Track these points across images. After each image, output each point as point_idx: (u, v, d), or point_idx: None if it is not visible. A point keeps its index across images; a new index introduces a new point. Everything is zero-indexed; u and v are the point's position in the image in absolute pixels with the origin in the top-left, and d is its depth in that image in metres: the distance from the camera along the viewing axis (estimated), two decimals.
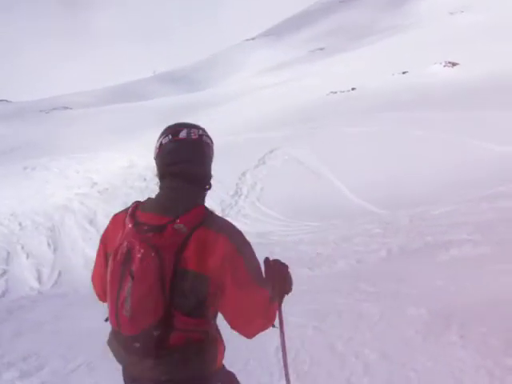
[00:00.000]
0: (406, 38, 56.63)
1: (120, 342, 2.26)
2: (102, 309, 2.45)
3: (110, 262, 2.22)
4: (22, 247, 13.71)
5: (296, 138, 18.96)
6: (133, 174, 18.70)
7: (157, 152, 2.42)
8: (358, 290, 6.35)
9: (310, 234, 11.20)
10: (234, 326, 2.31)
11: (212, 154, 2.48)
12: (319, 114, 22.65)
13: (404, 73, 31.41)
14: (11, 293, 11.01)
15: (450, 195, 11.58)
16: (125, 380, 2.37)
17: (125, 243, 2.18)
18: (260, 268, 2.32)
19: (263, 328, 2.35)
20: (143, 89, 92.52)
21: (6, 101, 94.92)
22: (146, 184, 17.31)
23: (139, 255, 2.10)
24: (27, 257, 13.01)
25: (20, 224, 15.68)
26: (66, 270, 13.05)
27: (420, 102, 21.60)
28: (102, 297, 2.48)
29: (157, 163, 2.43)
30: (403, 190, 12.85)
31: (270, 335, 2.77)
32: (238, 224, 10.46)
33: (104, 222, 14.37)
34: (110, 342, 2.37)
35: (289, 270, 2.65)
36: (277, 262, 2.64)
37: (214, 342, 2.30)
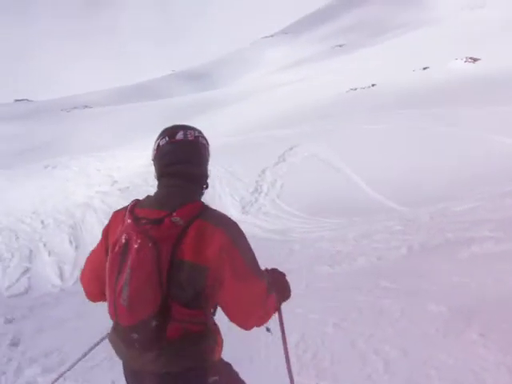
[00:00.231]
0: (427, 34, 56.27)
1: (119, 335, 2.32)
2: None
3: (109, 254, 2.28)
4: (45, 245, 13.84)
5: (316, 135, 18.92)
6: (153, 172, 18.69)
7: (154, 154, 2.49)
8: (379, 287, 6.32)
9: (330, 231, 11.17)
10: (233, 319, 2.34)
11: (208, 154, 2.56)
12: (339, 110, 22.58)
13: (425, 69, 31.22)
14: (34, 290, 11.13)
15: (471, 191, 11.50)
16: (125, 374, 2.42)
17: (123, 235, 2.23)
18: (256, 259, 2.36)
19: (262, 320, 2.41)
20: (162, 87, 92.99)
21: (27, 100, 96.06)
22: None
23: (136, 246, 2.16)
24: (49, 254, 13.13)
25: (42, 222, 15.84)
26: None
27: (441, 97, 21.47)
28: (92, 294, 2.60)
29: (155, 164, 2.51)
30: (424, 187, 12.78)
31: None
32: (259, 221, 10.59)
33: None
34: (110, 338, 2.43)
35: (286, 277, 2.73)
36: (275, 270, 2.72)
37: (211, 334, 2.34)
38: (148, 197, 2.46)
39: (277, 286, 2.57)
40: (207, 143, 2.56)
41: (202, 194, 2.53)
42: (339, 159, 16.06)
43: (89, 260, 2.60)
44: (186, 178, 2.43)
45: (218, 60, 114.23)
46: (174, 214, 2.23)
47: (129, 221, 2.29)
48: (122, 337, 2.30)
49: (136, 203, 2.43)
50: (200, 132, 2.52)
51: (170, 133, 2.46)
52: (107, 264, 2.28)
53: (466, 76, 26.21)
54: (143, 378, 2.29)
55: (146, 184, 17.62)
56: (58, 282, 11.43)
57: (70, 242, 14.57)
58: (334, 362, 4.45)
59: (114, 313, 2.25)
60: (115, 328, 2.36)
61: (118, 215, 2.48)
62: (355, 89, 28.20)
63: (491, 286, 5.46)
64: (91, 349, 3.88)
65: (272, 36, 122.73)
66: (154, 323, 2.16)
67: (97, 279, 2.47)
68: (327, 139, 18.06)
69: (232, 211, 14.57)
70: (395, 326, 4.96)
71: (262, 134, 20.74)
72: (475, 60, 30.02)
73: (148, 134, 30.60)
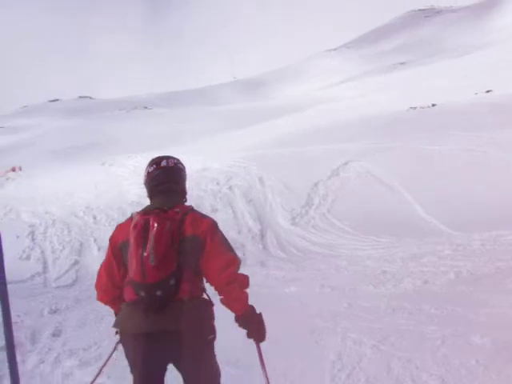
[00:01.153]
0: (491, 55, 55.20)
1: (140, 303, 3.01)
2: None
3: (131, 234, 3.06)
4: (95, 240, 14.10)
5: (372, 151, 18.67)
6: (206, 177, 18.80)
7: (145, 178, 3.42)
8: (422, 311, 6.21)
9: (378, 250, 11.05)
10: (210, 274, 3.12)
11: (185, 175, 3.56)
12: (397, 128, 22.24)
13: (488, 91, 30.52)
14: (81, 283, 11.40)
15: None
16: (134, 344, 3.11)
17: (140, 219, 3.09)
18: (230, 244, 3.26)
19: (236, 283, 3.07)
20: (222, 93, 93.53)
21: (90, 98, 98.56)
22: (218, 188, 17.37)
23: (156, 223, 3.01)
24: (99, 249, 13.36)
25: (94, 217, 16.15)
26: None
27: (503, 122, 20.90)
28: (104, 291, 3.35)
29: (146, 186, 3.43)
30: (478, 213, 12.47)
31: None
32: (307, 234, 10.60)
33: None
34: (121, 320, 3.21)
35: (262, 317, 3.25)
36: (253, 308, 3.22)
37: (209, 300, 3.22)
38: (146, 206, 3.34)
39: (252, 323, 3.17)
40: (183, 167, 3.55)
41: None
42: (393, 178, 15.82)
43: (103, 265, 3.36)
44: (171, 192, 3.35)
45: (279, 70, 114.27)
46: (173, 208, 3.18)
47: (139, 216, 3.16)
48: (143, 303, 2.99)
49: (139, 211, 3.27)
50: (178, 160, 3.52)
51: (156, 162, 3.41)
52: (131, 244, 3.06)
53: None
54: (159, 337, 2.98)
55: (198, 188, 17.67)
56: None
57: None
58: None
59: (142, 275, 2.95)
60: (136, 303, 3.05)
61: (121, 225, 3.38)
62: (415, 108, 27.71)
63: None
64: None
65: (335, 49, 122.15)
66: (172, 281, 2.96)
67: (109, 277, 3.28)
68: (383, 157, 17.81)
69: (281, 221, 14.54)
70: (435, 354, 4.84)
71: (317, 146, 20.54)
72: None
73: (204, 139, 30.90)
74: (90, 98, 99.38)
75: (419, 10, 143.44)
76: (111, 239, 3.33)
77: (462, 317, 5.81)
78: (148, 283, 2.93)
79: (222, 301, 3.14)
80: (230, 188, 17.16)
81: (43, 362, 6.30)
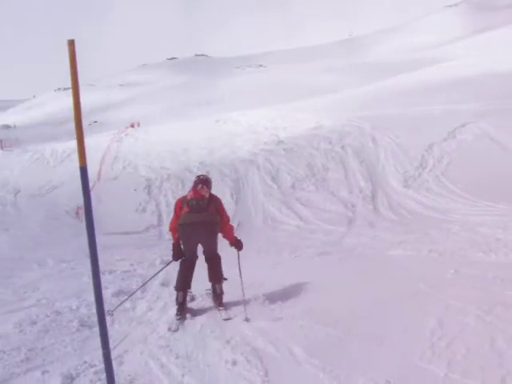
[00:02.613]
0: None
1: (194, 209, 6.30)
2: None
3: (191, 190, 6.45)
4: None
5: (492, 113, 17.78)
6: (318, 135, 18.68)
7: (194, 183, 6.53)
8: None
9: (494, 217, 10.70)
10: (223, 222, 6.52)
11: (211, 183, 6.68)
12: None
13: None
14: None
15: None
16: (188, 230, 6.31)
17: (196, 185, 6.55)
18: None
19: (231, 225, 6.73)
20: (333, 52, 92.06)
21: (206, 56, 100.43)
22: (331, 147, 17.21)
23: (201, 185, 6.46)
24: None
25: (208, 173, 16.56)
26: (245, 221, 13.61)
27: None
28: (171, 225, 6.57)
29: (194, 186, 6.51)
30: None
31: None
32: (419, 197, 10.48)
33: (286, 180, 14.71)
34: (183, 224, 6.33)
35: (240, 240, 6.78)
36: (237, 237, 6.79)
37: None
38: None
39: (239, 244, 6.66)
40: (210, 180, 6.70)
41: None
42: None
43: (174, 217, 6.55)
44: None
45: (393, 27, 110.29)
46: None
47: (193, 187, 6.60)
48: (196, 208, 6.28)
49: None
50: (208, 176, 6.93)
51: (198, 176, 6.75)
52: (191, 191, 6.42)
53: None
54: (199, 224, 6.23)
55: (311, 146, 17.61)
56: None
57: (231, 195, 15.18)
58: (469, 356, 4.22)
59: (195, 194, 6.28)
60: (190, 215, 6.28)
61: (180, 199, 6.71)
62: None
63: None
64: (159, 271, 7.44)
65: (455, 5, 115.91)
66: (206, 201, 6.36)
67: (176, 215, 6.42)
68: (503, 119, 16.87)
69: (393, 183, 14.32)
70: None
71: (432, 107, 19.81)
72: None
73: (317, 98, 30.60)
74: (206, 56, 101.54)
75: None
76: (176, 203, 6.60)
77: None
78: (198, 197, 6.29)
79: (224, 235, 6.62)
80: (343, 147, 16.94)
81: (152, 309, 6.65)
